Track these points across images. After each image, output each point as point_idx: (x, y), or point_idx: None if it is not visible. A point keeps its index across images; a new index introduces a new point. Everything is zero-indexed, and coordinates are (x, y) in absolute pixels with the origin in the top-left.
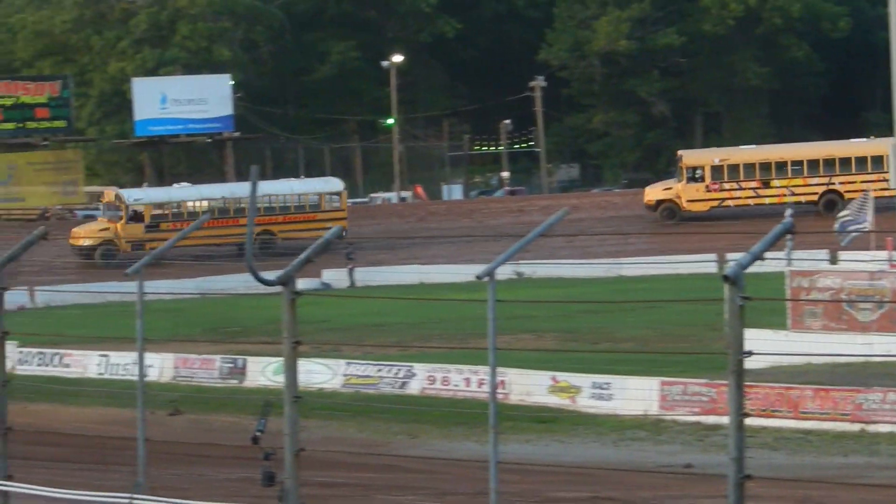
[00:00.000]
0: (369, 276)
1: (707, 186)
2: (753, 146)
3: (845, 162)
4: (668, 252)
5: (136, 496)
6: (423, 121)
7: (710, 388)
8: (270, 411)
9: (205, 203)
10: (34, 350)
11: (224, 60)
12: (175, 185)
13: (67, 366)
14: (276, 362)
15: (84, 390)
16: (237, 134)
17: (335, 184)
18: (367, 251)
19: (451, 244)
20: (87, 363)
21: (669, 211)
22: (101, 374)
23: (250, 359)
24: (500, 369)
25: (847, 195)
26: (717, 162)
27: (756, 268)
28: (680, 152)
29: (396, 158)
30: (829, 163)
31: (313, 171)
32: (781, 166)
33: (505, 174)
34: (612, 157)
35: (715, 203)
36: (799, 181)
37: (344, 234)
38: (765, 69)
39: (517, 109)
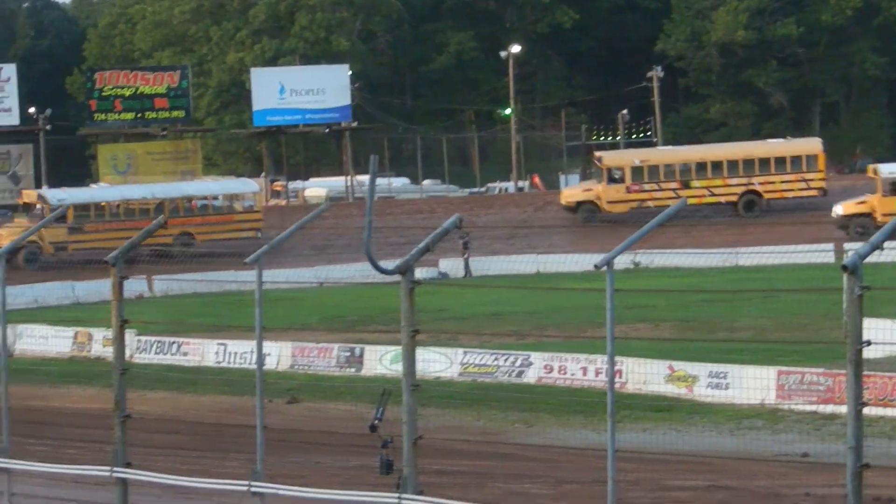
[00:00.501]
0: (486, 265)
1: (627, 188)
2: (672, 147)
3: (765, 163)
4: (784, 242)
5: (254, 483)
6: (540, 111)
7: (827, 378)
8: (388, 400)
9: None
10: (152, 339)
11: (342, 51)
12: (94, 186)
13: (185, 354)
14: (394, 351)
15: (202, 378)
16: (355, 124)
17: (251, 185)
18: (484, 241)
19: (568, 234)
20: (204, 351)
21: (589, 212)
22: (218, 362)
23: (367, 347)
24: (617, 358)
25: (766, 195)
26: (637, 163)
27: (874, 258)
28: (599, 153)
29: (514, 148)
30: (749, 163)
31: (431, 161)
32: (701, 167)
33: None
34: None
35: (635, 204)
36: (719, 182)
37: (259, 235)
38: (883, 59)
39: (634, 100)
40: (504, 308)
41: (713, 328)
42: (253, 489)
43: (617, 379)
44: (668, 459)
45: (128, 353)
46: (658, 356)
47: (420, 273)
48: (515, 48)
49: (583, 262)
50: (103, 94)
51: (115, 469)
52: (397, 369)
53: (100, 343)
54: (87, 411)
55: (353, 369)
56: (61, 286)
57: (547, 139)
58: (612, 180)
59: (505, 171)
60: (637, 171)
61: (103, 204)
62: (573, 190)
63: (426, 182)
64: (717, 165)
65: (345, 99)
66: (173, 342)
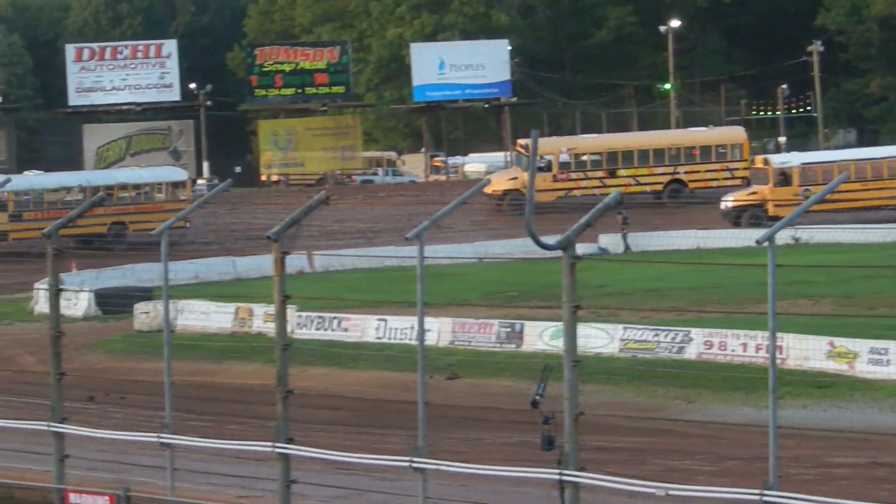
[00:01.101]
0: (645, 241)
1: (554, 176)
2: (597, 135)
3: (690, 152)
4: None
5: (415, 459)
6: (699, 86)
7: None
8: (549, 375)
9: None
10: (313, 314)
11: (501, 26)
12: (28, 173)
13: (346, 330)
14: (554, 327)
15: (362, 354)
16: (514, 99)
17: (179, 173)
18: (644, 216)
19: None
20: (365, 327)
21: (516, 201)
22: (379, 338)
23: (527, 323)
24: (778, 334)
25: (691, 185)
26: (564, 151)
27: None
28: (523, 141)
29: (673, 123)
30: (675, 152)
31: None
32: (628, 156)
33: (782, 139)
34: (889, 121)
35: (561, 193)
36: (644, 171)
37: (187, 225)
38: None
39: (794, 74)
40: (663, 284)
41: (874, 304)
42: (414, 465)
43: (777, 355)
44: (828, 436)
45: (288, 328)
46: (819, 332)
47: (580, 249)
48: (675, 23)
49: (743, 237)
50: (264, 69)
51: (277, 445)
52: (557, 345)
53: (261, 318)
54: (248, 387)
55: (512, 345)
56: (222, 261)
57: (706, 114)
58: (540, 168)
59: None
60: (564, 160)
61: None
62: (499, 177)
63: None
64: (643, 154)
65: (504, 74)
66: (334, 318)
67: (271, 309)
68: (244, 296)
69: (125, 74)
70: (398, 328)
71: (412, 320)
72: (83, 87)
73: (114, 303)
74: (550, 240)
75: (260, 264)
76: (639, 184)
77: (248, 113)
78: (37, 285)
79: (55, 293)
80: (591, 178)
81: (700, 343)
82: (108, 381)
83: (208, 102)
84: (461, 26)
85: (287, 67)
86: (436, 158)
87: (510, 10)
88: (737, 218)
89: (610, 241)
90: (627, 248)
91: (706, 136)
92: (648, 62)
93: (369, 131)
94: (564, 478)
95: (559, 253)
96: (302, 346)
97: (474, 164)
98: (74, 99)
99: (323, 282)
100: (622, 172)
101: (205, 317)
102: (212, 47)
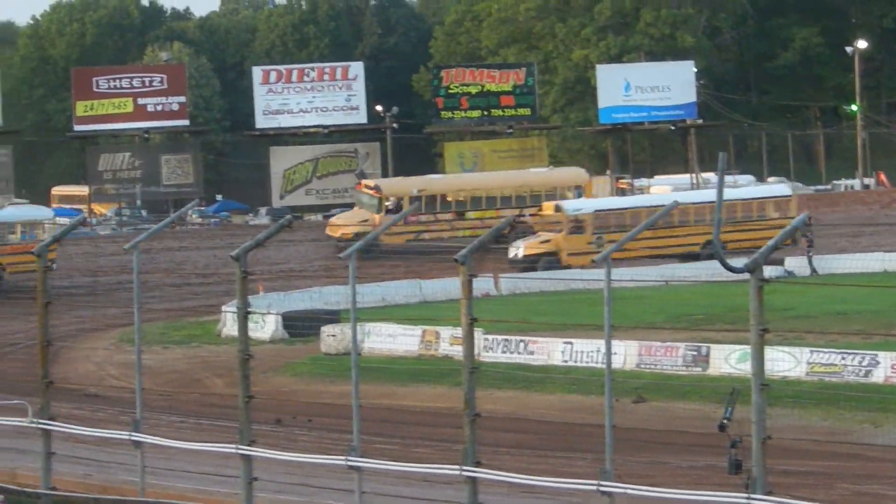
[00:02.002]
0: (831, 263)
1: (405, 219)
2: (446, 176)
3: (537, 193)
4: None
5: (602, 483)
6: (886, 106)
7: None
8: (736, 399)
9: None
10: (499, 337)
11: (687, 47)
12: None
13: (532, 353)
14: (740, 350)
15: (549, 377)
16: (700, 121)
17: (46, 212)
18: (831, 238)
19: None
20: (551, 350)
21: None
22: (565, 361)
23: (714, 346)
24: None
25: (536, 227)
26: (415, 192)
27: None
28: (375, 182)
29: (860, 145)
30: (520, 194)
31: (776, 158)
32: (477, 198)
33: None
34: None
35: (411, 236)
36: (492, 213)
37: (54, 266)
38: None
39: None
40: (850, 307)
41: None
42: (602, 489)
43: None
44: None
45: (475, 351)
46: None
47: (767, 272)
48: (861, 43)
49: None
50: (450, 91)
51: (465, 468)
52: (743, 368)
53: (447, 341)
54: (435, 410)
55: (699, 368)
56: (408, 284)
57: (893, 135)
58: (390, 210)
59: (850, 168)
60: (416, 201)
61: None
62: (349, 220)
63: (771, 179)
64: (491, 196)
65: (690, 96)
66: (520, 341)
67: (458, 332)
68: (430, 318)
69: (312, 97)
70: (584, 351)
71: (598, 343)
72: (270, 110)
73: (301, 325)
74: (736, 263)
75: (446, 287)
76: (486, 227)
77: (434, 135)
78: (224, 308)
79: (243, 316)
80: (441, 221)
81: (887, 367)
82: (295, 403)
83: (394, 125)
84: (647, 48)
85: (473, 89)
86: (622, 180)
87: (696, 32)
88: (528, 268)
89: (796, 263)
90: (814, 270)
91: (548, 177)
92: (834, 83)
93: (555, 153)
94: (752, 502)
95: (745, 276)
96: (488, 370)
97: (660, 185)
98: (261, 121)
99: (509, 305)
100: (470, 215)
101: (391, 339)
102: (398, 69)
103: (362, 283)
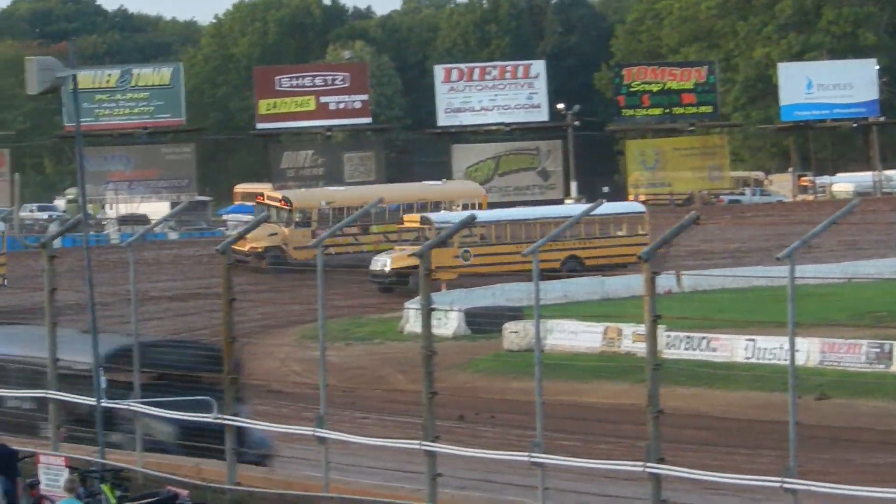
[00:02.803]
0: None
1: (314, 231)
2: (351, 188)
3: (436, 206)
4: None
5: (786, 480)
6: None
7: None
8: None
9: None
10: (682, 334)
11: (869, 45)
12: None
13: (714, 350)
14: None
15: (731, 374)
16: (882, 119)
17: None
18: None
19: None
20: (734, 347)
21: (276, 259)
22: (747, 358)
23: None
24: None
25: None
26: (323, 205)
27: None
28: (284, 193)
29: None
30: (423, 206)
31: None
32: (381, 211)
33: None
34: None
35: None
36: (394, 227)
37: (3, 282)
38: None
39: None
40: None
41: None
42: (785, 485)
43: None
44: None
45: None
46: None
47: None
48: None
49: None
50: (631, 89)
51: (648, 464)
52: None
53: (629, 338)
54: (617, 406)
55: (882, 365)
56: (590, 281)
57: None
58: (299, 223)
59: None
60: (325, 214)
61: None
62: (258, 233)
63: None
64: (395, 209)
65: (872, 93)
66: (703, 337)
67: (640, 328)
68: (613, 315)
69: (493, 95)
70: (767, 348)
71: (781, 340)
72: (452, 108)
73: (483, 322)
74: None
75: (628, 284)
76: (388, 241)
77: (615, 133)
78: (407, 305)
79: (427, 313)
80: (346, 235)
81: None
82: (478, 400)
83: (576, 122)
84: (829, 46)
85: (654, 87)
86: (804, 178)
87: (878, 30)
88: (392, 287)
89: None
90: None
91: (443, 190)
92: None
93: (736, 151)
94: None
95: None
96: (672, 366)
97: (842, 183)
98: (443, 119)
99: (691, 302)
100: (374, 229)
101: (574, 336)
102: (579, 67)
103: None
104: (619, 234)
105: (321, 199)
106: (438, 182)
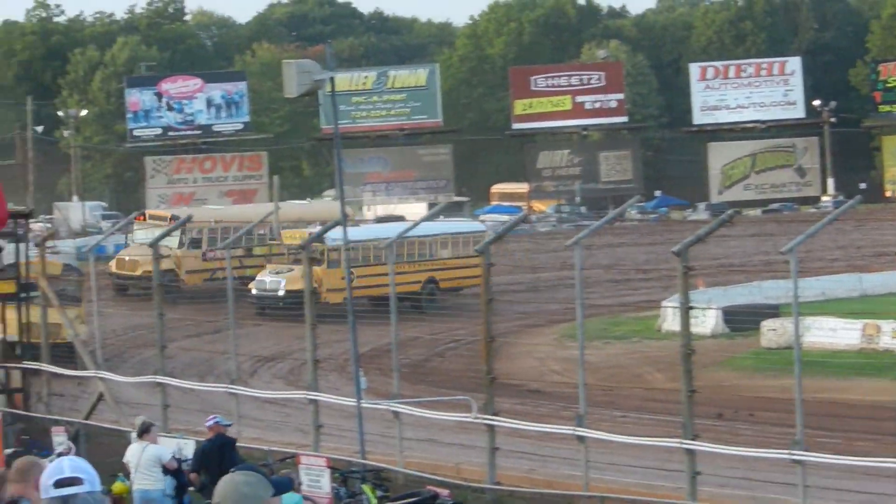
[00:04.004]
0: None
1: (204, 254)
2: (247, 205)
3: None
4: None
5: None
6: None
7: None
8: None
9: None
10: None
11: None
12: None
13: None
14: None
15: None
16: None
17: None
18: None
19: None
20: None
21: (170, 284)
22: None
23: None
24: None
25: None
26: (213, 224)
27: None
28: (174, 212)
29: None
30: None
31: None
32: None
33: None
34: None
35: (207, 275)
36: (276, 249)
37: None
38: None
39: None
40: None
41: None
42: None
43: None
44: None
45: None
46: None
47: None
48: None
49: None
50: (888, 85)
51: None
52: None
53: (889, 335)
54: (878, 404)
55: None
56: (849, 278)
57: None
58: (191, 244)
59: None
60: (214, 234)
61: None
62: (144, 254)
63: None
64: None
65: None
66: None
67: None
68: (872, 312)
69: (749, 92)
70: None
71: None
72: (707, 106)
73: (741, 320)
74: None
75: (887, 281)
76: (270, 261)
77: (871, 129)
78: (665, 303)
79: (685, 311)
80: (233, 258)
81: None
82: (736, 398)
83: (832, 119)
84: None
85: None
86: None
87: None
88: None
89: None
90: None
91: (311, 210)
92: None
93: None
94: None
95: None
96: None
97: None
98: (699, 117)
99: None
100: (258, 251)
101: (832, 333)
102: (835, 64)
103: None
104: (466, 255)
105: (213, 217)
106: (304, 202)
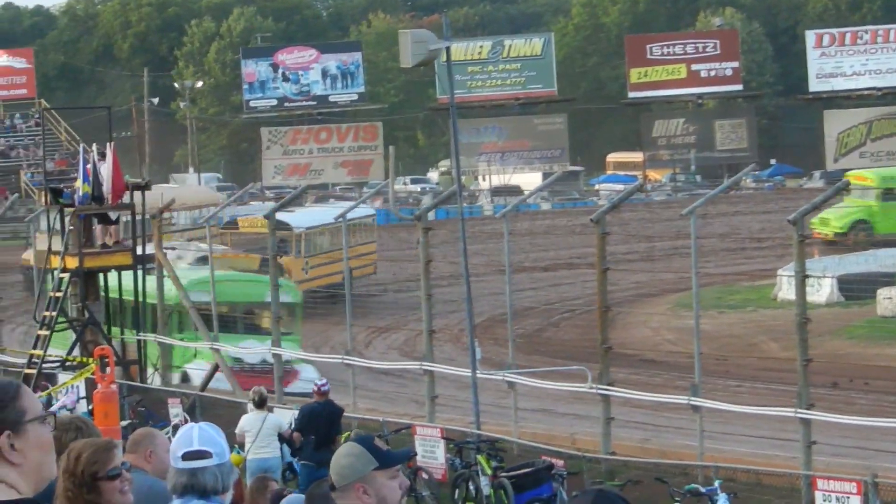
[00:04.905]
0: None
1: None
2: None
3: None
4: None
5: None
6: None
7: None
8: None
9: None
10: None
11: None
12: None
13: None
14: None
15: None
16: None
17: None
18: None
19: None
20: None
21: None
22: None
23: None
24: None
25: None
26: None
27: None
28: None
29: None
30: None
31: None
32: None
33: None
34: None
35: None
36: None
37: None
38: None
39: None
40: None
41: None
42: None
43: None
44: None
45: None
46: None
47: None
48: None
49: None
50: None
51: None
52: None
53: None
54: None
55: None
56: None
57: None
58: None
59: None
60: None
61: None
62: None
63: None
64: None
65: None
66: None
67: None
68: None
69: (865, 59)
70: None
71: None
72: (823, 73)
73: (856, 288)
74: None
75: None
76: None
77: None
78: (780, 272)
79: (801, 280)
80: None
81: None
82: (851, 366)
83: None
84: None
85: None
86: None
87: None
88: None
89: None
90: None
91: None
92: None
93: None
94: None
95: None
96: None
97: None
98: (815, 85)
99: None
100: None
101: None
102: None
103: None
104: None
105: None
106: (174, 185)
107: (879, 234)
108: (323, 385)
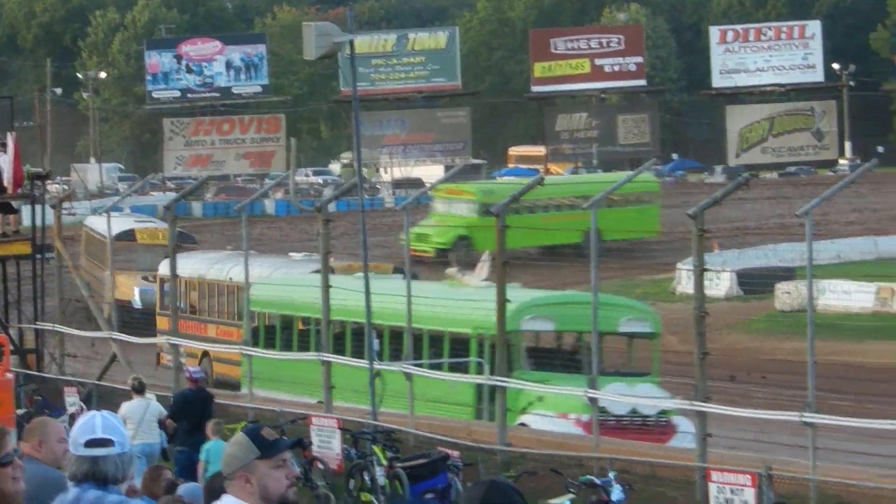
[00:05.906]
0: None
1: None
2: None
3: None
4: None
5: None
6: None
7: None
8: None
9: None
10: None
11: None
12: None
13: None
14: None
15: None
16: None
17: None
18: None
19: None
20: None
21: None
22: None
23: None
24: None
25: None
26: None
27: None
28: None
29: None
30: None
31: None
32: None
33: None
34: None
35: None
36: None
37: None
38: None
39: None
40: None
41: None
42: None
43: None
44: None
45: None
46: None
47: None
48: None
49: None
50: None
51: None
52: None
53: None
54: (891, 366)
55: None
56: (864, 241)
57: None
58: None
59: None
60: None
61: None
62: None
63: None
64: None
65: None
66: None
67: None
68: (887, 275)
69: (769, 56)
70: None
71: None
72: (727, 69)
73: (755, 282)
74: None
75: None
76: None
77: (890, 93)
78: (680, 265)
79: (700, 273)
80: None
81: None
82: (749, 360)
83: (851, 83)
84: None
85: None
86: None
87: None
88: None
89: None
90: None
91: None
92: None
93: None
94: None
95: None
96: None
97: None
98: (718, 80)
99: None
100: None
101: (846, 296)
102: (855, 27)
103: (818, 240)
104: None
105: None
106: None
107: (478, 250)
108: (195, 373)
